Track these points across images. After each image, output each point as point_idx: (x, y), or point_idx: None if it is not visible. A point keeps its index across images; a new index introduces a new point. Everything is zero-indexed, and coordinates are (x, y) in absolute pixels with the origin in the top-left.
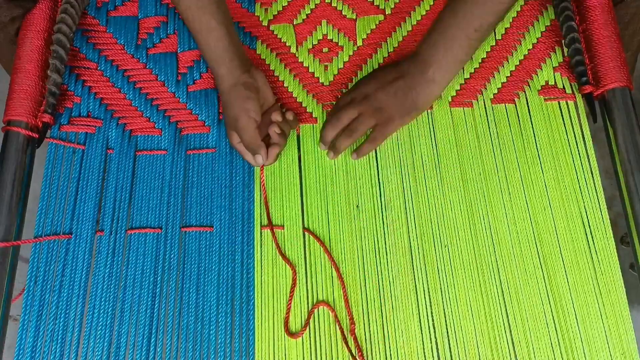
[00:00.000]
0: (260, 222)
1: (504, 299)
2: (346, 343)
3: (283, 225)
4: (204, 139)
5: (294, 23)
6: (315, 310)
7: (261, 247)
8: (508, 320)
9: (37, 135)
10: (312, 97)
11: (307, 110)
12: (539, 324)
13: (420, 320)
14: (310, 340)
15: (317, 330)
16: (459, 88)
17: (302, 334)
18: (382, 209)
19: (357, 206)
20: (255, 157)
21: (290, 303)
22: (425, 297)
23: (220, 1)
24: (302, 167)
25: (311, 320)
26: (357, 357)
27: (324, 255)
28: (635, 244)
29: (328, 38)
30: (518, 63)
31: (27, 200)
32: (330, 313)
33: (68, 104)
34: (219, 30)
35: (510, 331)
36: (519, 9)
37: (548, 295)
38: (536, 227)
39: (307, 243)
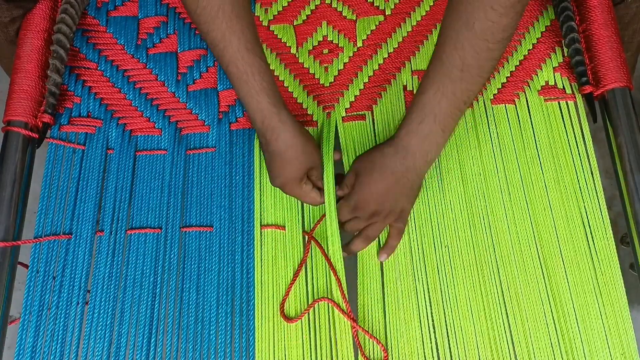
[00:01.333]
0: (261, 222)
1: (504, 299)
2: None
3: (284, 227)
4: (204, 139)
5: (294, 24)
6: (316, 310)
7: (261, 246)
8: (508, 320)
9: (37, 135)
10: (312, 99)
11: (308, 112)
12: (539, 324)
13: (420, 320)
14: (310, 340)
15: (317, 330)
16: None
17: (299, 319)
18: None
19: None
20: (312, 200)
21: (291, 287)
22: (425, 297)
23: (259, 43)
24: None
25: (311, 320)
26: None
27: (322, 256)
28: (635, 244)
29: (328, 39)
30: (518, 63)
31: (27, 200)
32: (333, 309)
33: (68, 104)
34: (269, 72)
35: (510, 331)
36: None
37: (548, 295)
38: (536, 227)
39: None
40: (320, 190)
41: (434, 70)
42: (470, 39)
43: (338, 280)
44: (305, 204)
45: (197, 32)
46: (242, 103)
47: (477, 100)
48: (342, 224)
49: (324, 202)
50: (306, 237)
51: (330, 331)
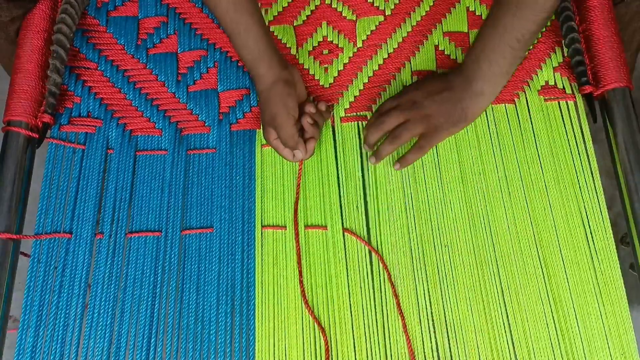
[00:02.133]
0: (261, 222)
1: (504, 299)
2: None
3: (285, 227)
4: (204, 139)
5: (294, 24)
6: (316, 310)
7: (262, 247)
8: (508, 320)
9: (37, 135)
10: (312, 99)
11: None
12: (539, 324)
13: (420, 320)
14: (310, 339)
15: (316, 330)
16: None
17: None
18: (382, 209)
19: (356, 207)
20: (295, 153)
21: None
22: (425, 297)
23: (255, 2)
24: (303, 168)
25: (311, 321)
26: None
27: (323, 255)
28: (635, 244)
29: (328, 40)
30: None
31: (27, 200)
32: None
33: (68, 104)
34: (257, 30)
35: (510, 331)
36: None
37: (548, 295)
38: (536, 227)
39: (305, 244)
40: (299, 148)
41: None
42: None
43: (384, 265)
44: (305, 204)
45: (197, 33)
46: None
47: None
48: (382, 114)
49: (294, 161)
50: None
51: (330, 331)
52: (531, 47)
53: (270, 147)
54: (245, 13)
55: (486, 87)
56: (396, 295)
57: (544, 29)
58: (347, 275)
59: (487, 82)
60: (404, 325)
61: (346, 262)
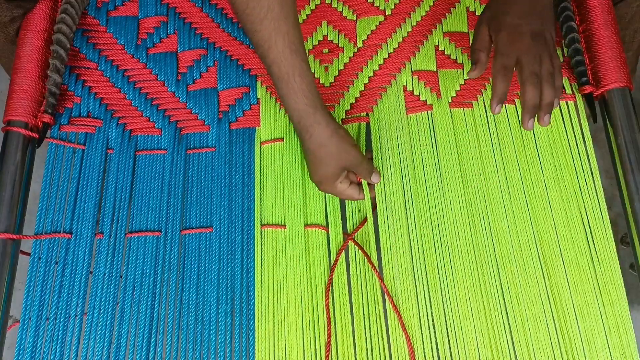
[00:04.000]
0: (261, 221)
1: (504, 299)
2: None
3: (285, 225)
4: (204, 138)
5: None
6: (316, 309)
7: (261, 246)
8: (508, 320)
9: (37, 135)
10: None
11: None
12: (539, 324)
13: (420, 320)
14: (310, 339)
15: (317, 329)
16: (458, 88)
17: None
18: (382, 209)
19: (358, 211)
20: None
21: None
22: (425, 297)
23: (302, 43)
24: (304, 168)
25: (310, 321)
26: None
27: (324, 254)
28: (635, 244)
29: (328, 39)
30: None
31: (27, 200)
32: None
33: (68, 104)
34: (311, 74)
35: (510, 331)
36: None
37: (548, 295)
38: (536, 227)
39: (307, 243)
40: (360, 185)
41: None
42: None
43: (383, 284)
44: (306, 203)
45: (197, 32)
46: (282, 101)
47: (477, 100)
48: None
49: (363, 198)
50: (349, 240)
51: (330, 331)
52: None
53: (269, 145)
54: (298, 56)
55: None
56: (389, 295)
57: None
58: (348, 275)
59: None
60: (402, 324)
61: (347, 262)
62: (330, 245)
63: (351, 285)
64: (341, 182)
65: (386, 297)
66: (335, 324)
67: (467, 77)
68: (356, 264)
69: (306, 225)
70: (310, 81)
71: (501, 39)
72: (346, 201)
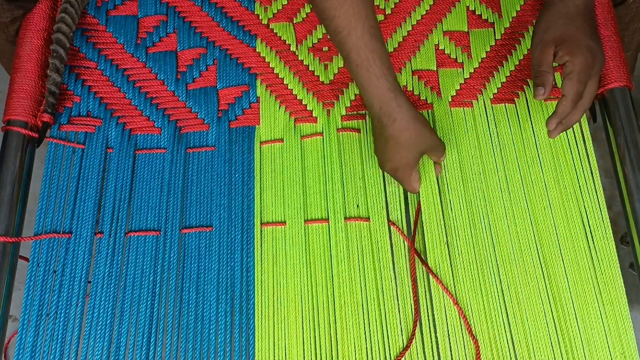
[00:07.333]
0: (260, 220)
1: (504, 299)
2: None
3: (285, 222)
4: (204, 137)
5: (294, 22)
6: (316, 309)
7: (261, 245)
8: (508, 320)
9: (36, 135)
10: (312, 96)
11: (307, 109)
12: (539, 324)
13: (420, 319)
14: (310, 338)
15: (316, 329)
16: (459, 88)
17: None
18: (382, 209)
19: (357, 206)
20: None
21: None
22: (425, 297)
23: (379, 27)
24: (304, 166)
25: (310, 320)
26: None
27: (324, 253)
28: (635, 243)
29: (328, 37)
30: (518, 63)
31: (27, 200)
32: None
33: (68, 103)
34: (388, 57)
35: (511, 331)
36: (519, 9)
37: (548, 295)
38: (536, 227)
39: (308, 240)
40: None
41: None
42: None
43: (444, 288)
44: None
45: (196, 31)
46: (360, 88)
47: (477, 100)
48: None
49: (418, 191)
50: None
51: (331, 332)
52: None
53: (269, 145)
54: (378, 40)
55: None
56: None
57: None
58: (348, 275)
59: None
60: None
61: (346, 262)
62: (331, 240)
63: (351, 284)
64: (417, 170)
65: (394, 299)
66: (335, 323)
67: (535, 99)
68: (358, 261)
69: (306, 221)
70: (390, 65)
71: (579, 64)
72: (345, 196)
